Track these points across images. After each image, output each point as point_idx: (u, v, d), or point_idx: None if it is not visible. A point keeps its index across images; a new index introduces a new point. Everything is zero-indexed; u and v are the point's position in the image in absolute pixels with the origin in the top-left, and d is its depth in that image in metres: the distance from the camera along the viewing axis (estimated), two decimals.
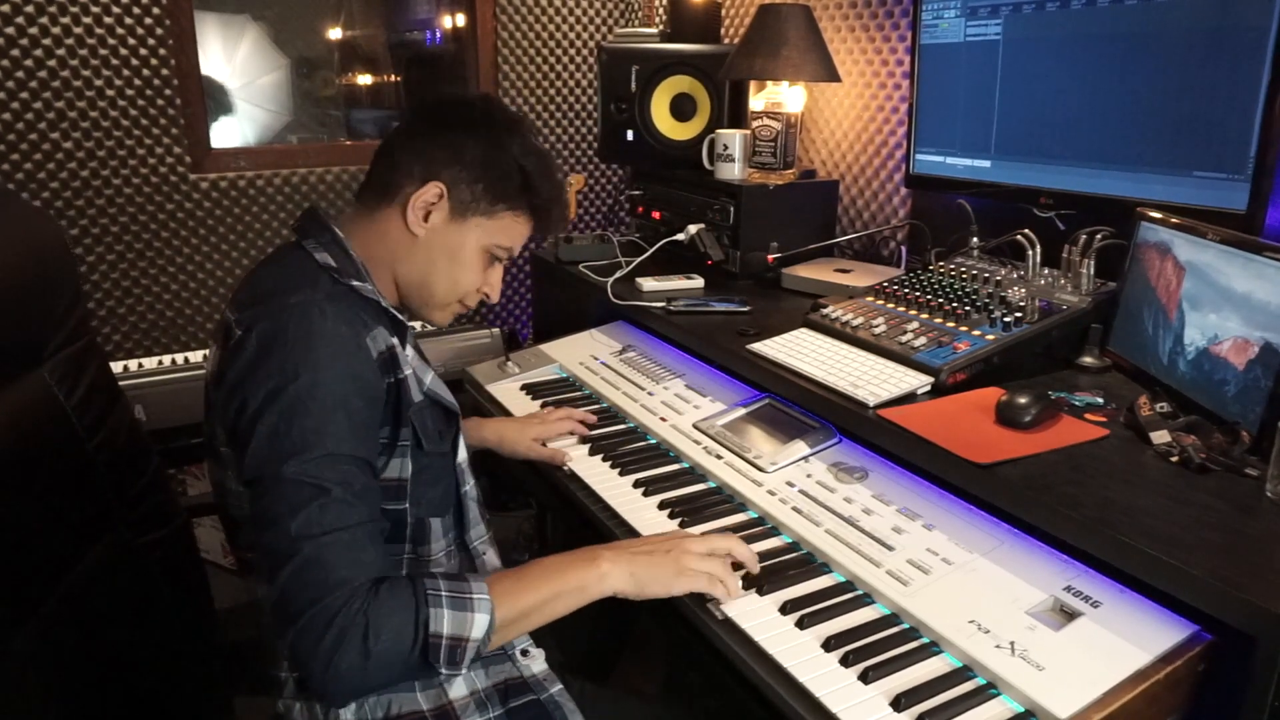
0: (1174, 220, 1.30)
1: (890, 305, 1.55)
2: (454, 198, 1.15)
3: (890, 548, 1.13)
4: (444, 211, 1.15)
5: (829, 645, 1.00)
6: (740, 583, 1.11)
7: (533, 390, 1.78)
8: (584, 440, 1.54)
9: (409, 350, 1.15)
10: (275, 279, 1.09)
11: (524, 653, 1.19)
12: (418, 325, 1.60)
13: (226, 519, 1.18)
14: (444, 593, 0.96)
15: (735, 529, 1.25)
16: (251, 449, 0.98)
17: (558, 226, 1.28)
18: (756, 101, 2.04)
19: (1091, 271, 1.43)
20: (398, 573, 1.00)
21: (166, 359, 2.31)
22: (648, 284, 1.92)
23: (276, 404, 0.97)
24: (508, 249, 1.21)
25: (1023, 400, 1.20)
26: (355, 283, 1.10)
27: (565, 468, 1.48)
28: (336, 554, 0.94)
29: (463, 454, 1.23)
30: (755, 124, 2.02)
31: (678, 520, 1.28)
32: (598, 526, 1.33)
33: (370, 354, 1.05)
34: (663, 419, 1.55)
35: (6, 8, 2.11)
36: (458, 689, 1.13)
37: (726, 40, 2.50)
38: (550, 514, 2.32)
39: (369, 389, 1.04)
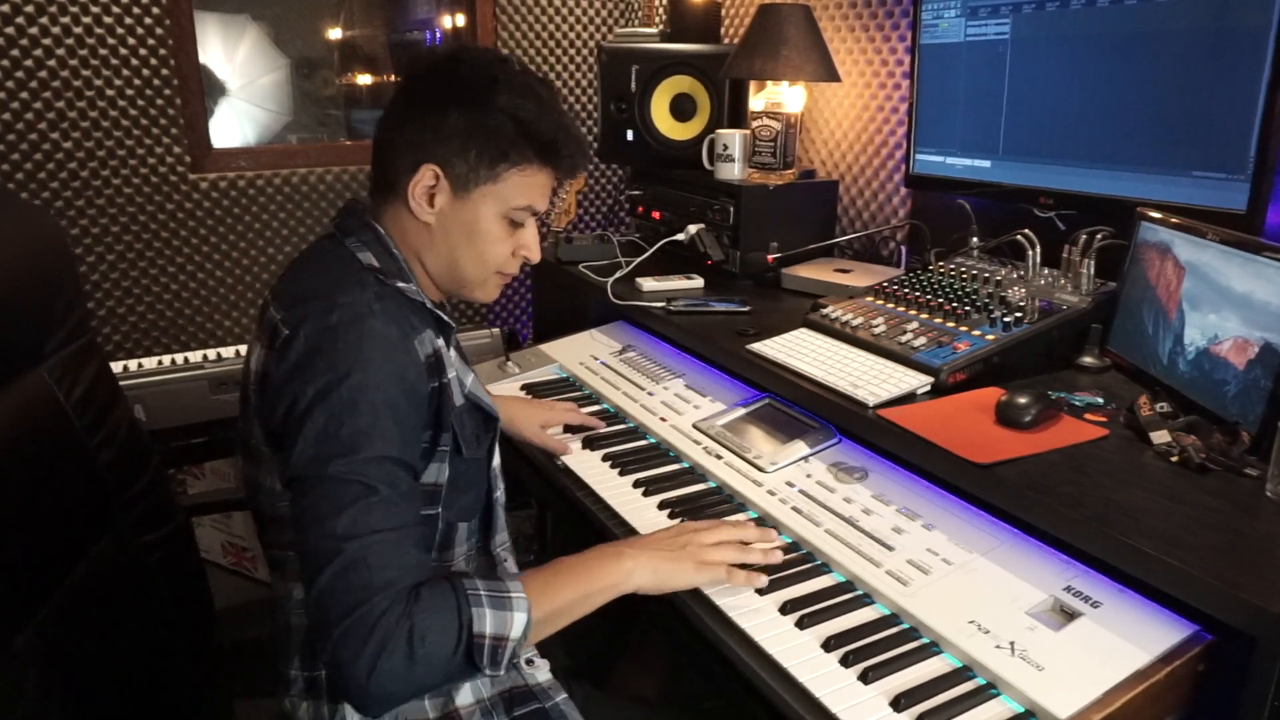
0: (1174, 220, 1.30)
1: (890, 305, 1.55)
2: (451, 175, 1.08)
3: (890, 548, 1.13)
4: (446, 192, 1.09)
5: (829, 645, 1.00)
6: (759, 571, 1.12)
7: (533, 390, 1.78)
8: (585, 441, 1.54)
9: (452, 352, 1.14)
10: (321, 278, 1.07)
11: (529, 662, 1.19)
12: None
13: (258, 516, 1.17)
14: (484, 592, 0.95)
15: None
16: (298, 448, 0.96)
17: (577, 161, 1.15)
18: (756, 101, 2.04)
19: (1091, 271, 1.43)
20: (437, 574, 0.98)
21: (166, 359, 2.30)
22: (648, 284, 1.92)
23: (326, 403, 0.95)
24: (528, 207, 1.13)
25: (1023, 400, 1.20)
26: (400, 284, 1.09)
27: (560, 463, 1.48)
28: (383, 555, 0.91)
29: (496, 459, 1.22)
30: (755, 124, 2.02)
31: (678, 520, 1.28)
32: (598, 526, 1.33)
33: (418, 356, 1.04)
34: (663, 419, 1.55)
35: (6, 8, 2.11)
36: (464, 697, 1.12)
37: (726, 40, 2.50)
38: (550, 514, 2.32)
39: (416, 393, 1.03)
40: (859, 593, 1.10)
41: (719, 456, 1.41)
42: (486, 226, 1.12)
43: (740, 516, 1.29)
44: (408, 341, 1.03)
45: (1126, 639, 0.93)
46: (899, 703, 0.92)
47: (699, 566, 1.08)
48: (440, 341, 1.10)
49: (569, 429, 1.58)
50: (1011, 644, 0.95)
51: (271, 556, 1.15)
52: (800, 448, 1.37)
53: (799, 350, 1.49)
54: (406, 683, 0.90)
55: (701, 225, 2.03)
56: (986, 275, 1.55)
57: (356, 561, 0.91)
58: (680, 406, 1.58)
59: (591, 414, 1.63)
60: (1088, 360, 1.43)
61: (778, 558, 1.14)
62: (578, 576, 1.03)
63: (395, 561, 0.92)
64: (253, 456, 1.10)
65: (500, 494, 1.24)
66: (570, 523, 1.44)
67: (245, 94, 3.07)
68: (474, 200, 1.10)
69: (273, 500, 1.08)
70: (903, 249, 2.03)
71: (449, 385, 1.08)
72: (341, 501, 0.93)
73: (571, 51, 2.91)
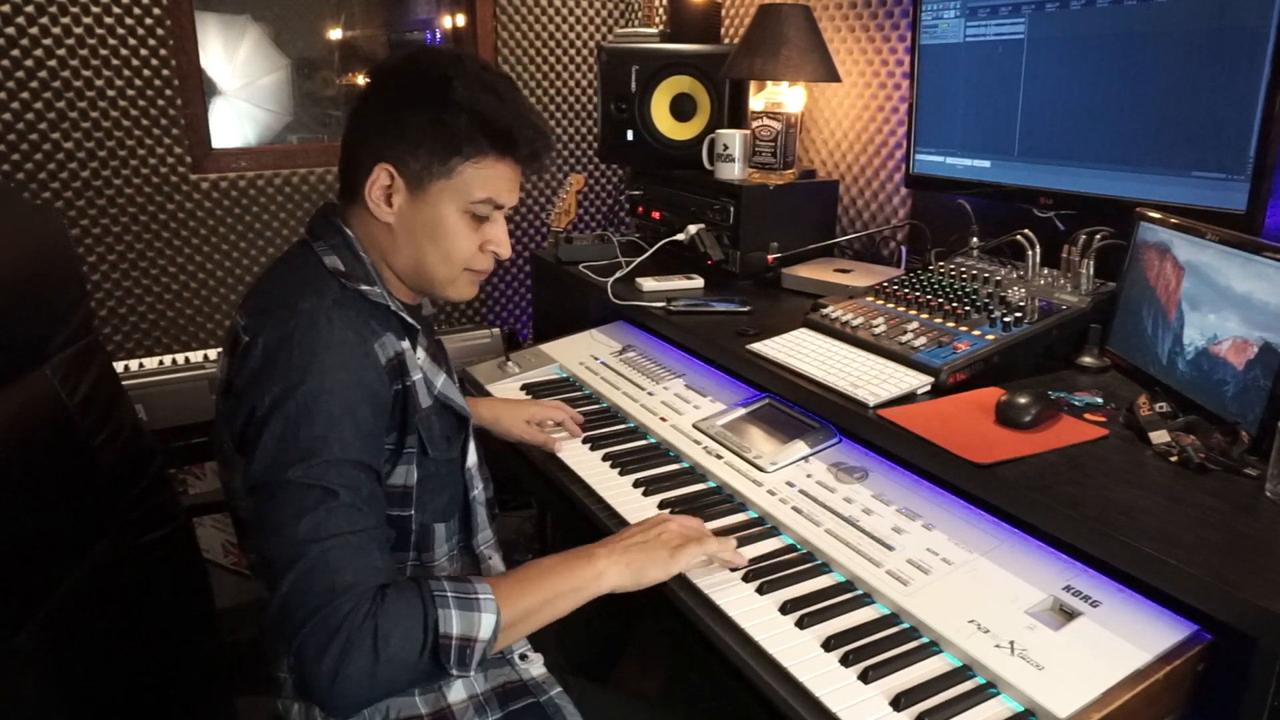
0: (1173, 220, 1.30)
1: (890, 305, 1.55)
2: (405, 173, 1.08)
3: (890, 548, 1.13)
4: (402, 191, 1.09)
5: (829, 645, 1.00)
6: (735, 544, 1.14)
7: (533, 390, 1.78)
8: (586, 440, 1.54)
9: (420, 353, 1.14)
10: (284, 285, 1.08)
11: (522, 657, 1.19)
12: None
13: (236, 521, 1.17)
14: (450, 594, 0.96)
15: (735, 529, 1.25)
16: (258, 455, 0.97)
17: (538, 149, 1.12)
18: (756, 101, 2.04)
19: (1091, 271, 1.44)
20: (402, 577, 0.99)
21: (167, 359, 2.31)
22: (648, 284, 1.92)
23: (283, 411, 0.96)
24: (489, 200, 1.10)
25: (1023, 400, 1.21)
26: (364, 287, 1.09)
27: (556, 453, 1.49)
28: (343, 558, 0.92)
29: (473, 458, 1.22)
30: (755, 124, 2.02)
31: None
32: (598, 526, 1.33)
33: (378, 360, 1.05)
34: (663, 419, 1.55)
35: (7, 8, 2.11)
36: (456, 693, 1.12)
37: (726, 40, 2.50)
38: (550, 513, 2.32)
39: (376, 396, 1.03)
40: (859, 592, 1.11)
41: (719, 456, 1.41)
42: (448, 223, 1.10)
43: (740, 516, 1.29)
44: (366, 345, 1.04)
45: (1126, 638, 0.93)
46: (899, 702, 0.92)
47: (673, 553, 1.08)
48: (405, 344, 1.10)
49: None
50: (1011, 643, 0.95)
51: (253, 561, 1.16)
52: (800, 448, 1.37)
53: (799, 350, 1.49)
54: (372, 685, 0.90)
55: (701, 225, 2.03)
56: (986, 275, 1.55)
57: (318, 565, 0.91)
58: (680, 406, 1.58)
59: (591, 414, 1.63)
60: (1087, 360, 1.43)
61: (743, 560, 1.15)
62: (549, 578, 1.03)
63: (357, 564, 0.93)
64: (227, 462, 1.11)
65: (479, 492, 1.24)
66: (570, 522, 1.44)
67: (246, 94, 3.07)
68: (431, 197, 1.09)
69: (249, 507, 1.08)
70: (903, 249, 2.03)
71: (413, 388, 1.09)
72: (302, 506, 0.94)
73: (571, 52, 2.91)
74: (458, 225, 1.11)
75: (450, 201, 1.09)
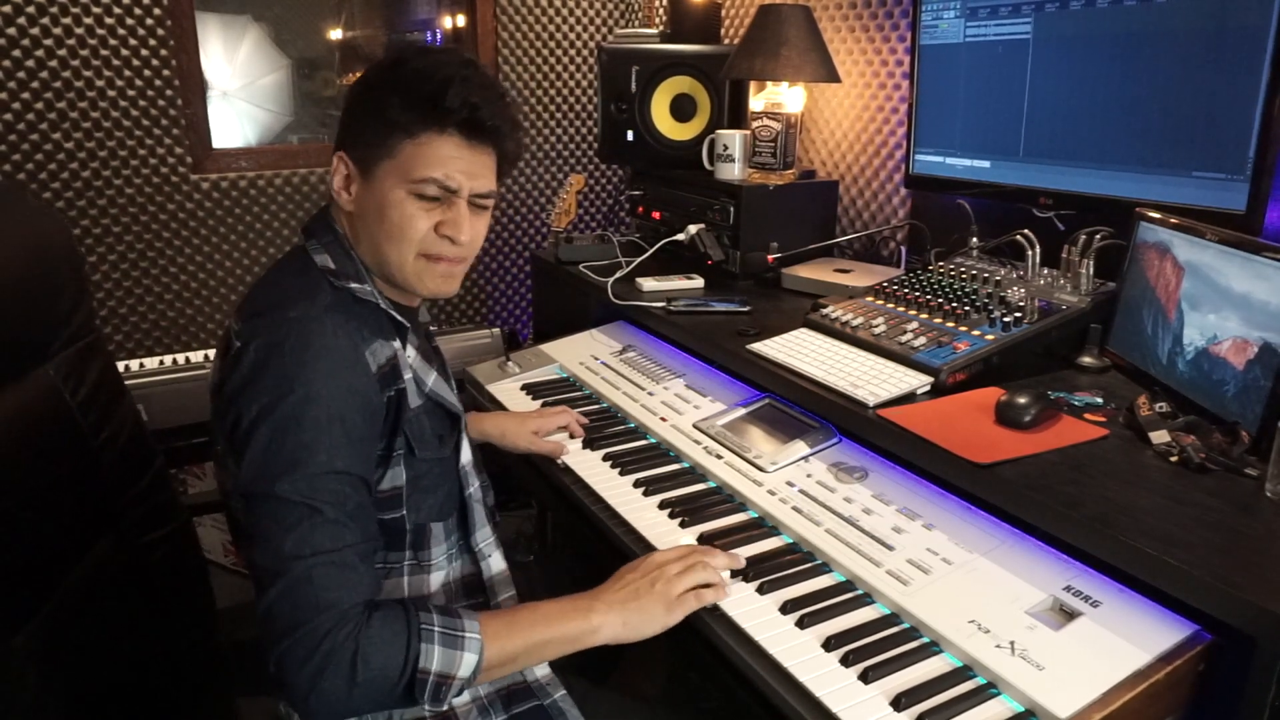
0: (1173, 220, 1.30)
1: (890, 305, 1.55)
2: (355, 160, 1.09)
3: (890, 547, 1.13)
4: (357, 178, 1.09)
5: (829, 645, 1.00)
6: (729, 581, 1.12)
7: (533, 390, 1.78)
8: (586, 441, 1.54)
9: (410, 351, 1.13)
10: (277, 291, 1.08)
11: None
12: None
13: (231, 520, 1.18)
14: (437, 628, 0.97)
15: (735, 529, 1.25)
16: (246, 463, 0.97)
17: (481, 116, 1.07)
18: (756, 102, 2.04)
19: (1091, 271, 1.44)
20: (389, 596, 0.99)
21: (167, 359, 2.31)
22: (648, 284, 1.92)
23: (270, 419, 0.97)
24: (432, 179, 1.06)
25: (1022, 400, 1.21)
26: (353, 285, 1.09)
27: (561, 462, 1.49)
28: (326, 575, 0.94)
29: (466, 456, 1.22)
30: (755, 124, 2.02)
31: (678, 520, 1.28)
32: (598, 527, 1.33)
33: (369, 368, 1.05)
34: (663, 419, 1.55)
35: (7, 8, 2.11)
36: (461, 695, 1.13)
37: (726, 40, 2.51)
38: (551, 514, 2.32)
39: (367, 404, 1.03)
40: (859, 592, 1.11)
41: (719, 456, 1.41)
42: (395, 203, 1.07)
43: (740, 517, 1.29)
44: (358, 352, 1.04)
45: (1126, 639, 0.93)
46: (899, 702, 0.92)
47: (669, 608, 1.07)
48: (395, 344, 1.10)
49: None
50: (1011, 643, 0.95)
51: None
52: (800, 448, 1.37)
53: (799, 350, 1.49)
54: (346, 703, 0.93)
55: (701, 225, 2.03)
56: (986, 275, 1.55)
57: (301, 581, 0.93)
58: (680, 406, 1.58)
59: (592, 414, 1.63)
60: (1087, 360, 1.43)
61: (741, 562, 1.15)
62: (541, 626, 1.03)
63: (339, 581, 0.94)
64: (223, 465, 1.11)
65: (474, 490, 1.23)
66: (570, 523, 1.44)
67: (246, 94, 3.07)
68: (379, 180, 1.08)
69: (240, 508, 1.08)
70: (903, 249, 2.03)
71: (405, 391, 1.09)
72: (287, 522, 0.95)
73: (571, 52, 2.91)
74: (403, 204, 1.07)
75: (394, 182, 1.07)
